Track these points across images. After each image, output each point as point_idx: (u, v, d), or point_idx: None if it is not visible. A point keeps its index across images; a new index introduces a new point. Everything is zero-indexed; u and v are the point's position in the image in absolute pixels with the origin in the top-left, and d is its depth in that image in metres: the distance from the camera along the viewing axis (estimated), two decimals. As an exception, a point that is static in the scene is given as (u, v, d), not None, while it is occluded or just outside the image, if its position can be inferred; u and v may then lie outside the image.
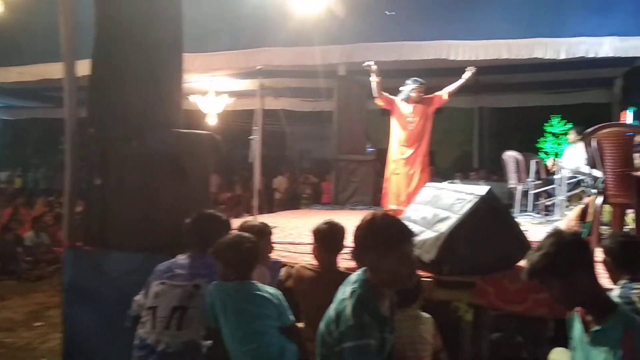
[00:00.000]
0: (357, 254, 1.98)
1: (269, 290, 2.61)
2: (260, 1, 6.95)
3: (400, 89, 6.01)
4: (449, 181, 7.04)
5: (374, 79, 5.89)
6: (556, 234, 1.97)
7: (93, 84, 4.17)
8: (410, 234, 1.97)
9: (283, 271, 3.56)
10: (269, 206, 12.27)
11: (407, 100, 5.91)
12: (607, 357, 1.75)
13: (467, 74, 5.86)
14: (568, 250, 1.87)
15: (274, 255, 3.81)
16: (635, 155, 5.39)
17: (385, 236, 1.90)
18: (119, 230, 3.90)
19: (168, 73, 4.22)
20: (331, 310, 1.95)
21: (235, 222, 4.86)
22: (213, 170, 5.08)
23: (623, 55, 7.19)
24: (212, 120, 10.70)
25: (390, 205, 5.82)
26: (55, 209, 9.94)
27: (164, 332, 2.68)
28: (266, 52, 8.30)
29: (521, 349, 3.53)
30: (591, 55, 7.17)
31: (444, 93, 5.97)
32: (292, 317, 2.66)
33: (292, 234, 5.05)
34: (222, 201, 11.28)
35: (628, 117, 9.72)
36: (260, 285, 2.61)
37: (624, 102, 10.49)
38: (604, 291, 2.00)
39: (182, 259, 2.90)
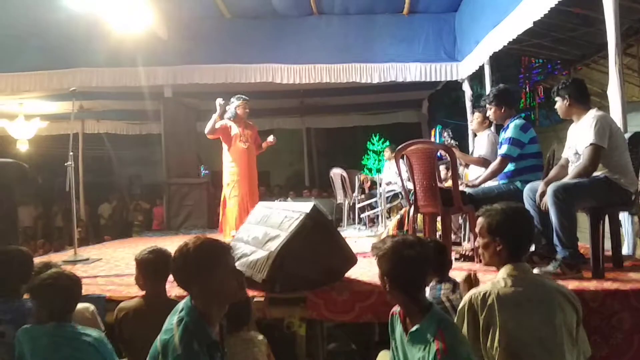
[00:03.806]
0: (182, 284, 1.94)
1: (90, 332, 2.39)
2: (73, 19, 6.47)
3: (227, 108, 6.04)
4: (280, 199, 7.22)
5: (215, 116, 5.83)
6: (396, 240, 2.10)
7: None
8: (225, 247, 1.97)
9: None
10: (96, 235, 11.45)
11: (235, 117, 5.95)
12: (424, 354, 1.91)
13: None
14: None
15: (97, 290, 3.55)
16: (442, 167, 6.06)
17: (202, 258, 1.88)
18: None
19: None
20: (157, 342, 1.86)
21: (58, 257, 4.36)
22: (23, 202, 4.57)
23: (427, 80, 8.10)
24: (23, 147, 9.73)
25: (232, 232, 5.58)
26: None
27: None
28: (82, 73, 7.76)
29: (355, 356, 3.72)
30: (400, 79, 7.97)
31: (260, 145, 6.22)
32: None
33: (119, 266, 4.73)
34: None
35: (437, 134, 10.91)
36: (80, 327, 2.38)
37: (431, 121, 11.83)
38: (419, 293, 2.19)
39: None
